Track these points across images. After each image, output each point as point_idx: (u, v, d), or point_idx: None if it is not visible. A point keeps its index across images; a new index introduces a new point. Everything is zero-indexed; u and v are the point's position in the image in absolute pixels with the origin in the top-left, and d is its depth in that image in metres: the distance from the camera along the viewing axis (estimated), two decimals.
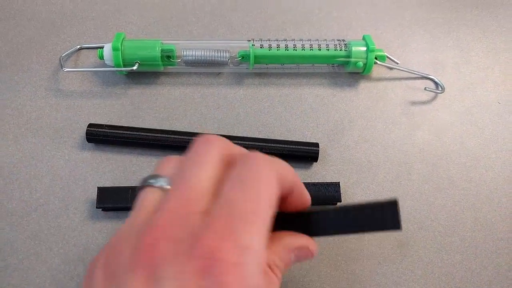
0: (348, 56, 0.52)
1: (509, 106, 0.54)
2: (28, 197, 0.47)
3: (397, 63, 0.55)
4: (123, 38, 0.51)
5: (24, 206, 0.46)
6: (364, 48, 0.52)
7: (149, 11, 0.58)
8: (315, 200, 0.46)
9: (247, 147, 0.47)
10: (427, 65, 0.56)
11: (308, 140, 0.50)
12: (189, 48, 0.51)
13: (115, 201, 0.45)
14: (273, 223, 0.29)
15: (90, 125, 0.49)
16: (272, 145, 0.49)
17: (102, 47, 0.51)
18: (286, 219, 0.31)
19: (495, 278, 0.46)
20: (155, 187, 0.26)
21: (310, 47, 0.52)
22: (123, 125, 0.49)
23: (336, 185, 0.47)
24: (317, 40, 0.53)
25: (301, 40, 0.53)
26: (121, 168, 0.48)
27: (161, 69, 0.52)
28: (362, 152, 0.51)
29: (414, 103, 0.54)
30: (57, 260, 0.44)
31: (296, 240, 0.29)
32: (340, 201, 0.46)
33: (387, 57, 0.55)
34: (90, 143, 0.49)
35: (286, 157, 0.48)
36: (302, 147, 0.49)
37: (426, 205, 0.48)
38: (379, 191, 0.49)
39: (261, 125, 0.51)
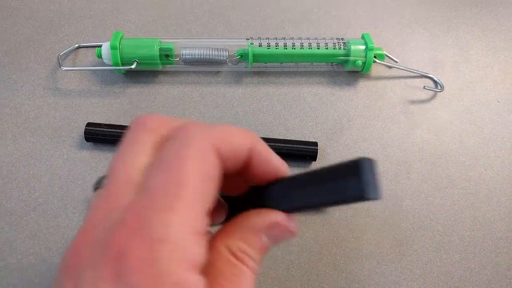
0: (347, 55, 0.52)
1: (509, 105, 0.54)
2: (27, 196, 0.47)
3: (396, 62, 0.55)
4: (121, 37, 0.50)
5: (23, 205, 0.46)
6: (363, 47, 0.52)
7: (148, 9, 0.58)
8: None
9: None
10: (426, 64, 0.56)
11: (307, 139, 0.50)
12: (188, 46, 0.51)
13: None
14: (246, 201, 0.27)
15: (89, 124, 0.49)
16: (271, 144, 0.48)
17: (100, 46, 0.51)
18: (259, 194, 0.27)
19: (494, 277, 0.46)
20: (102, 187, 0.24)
21: (309, 46, 0.52)
22: (122, 124, 0.49)
23: None
24: (316, 38, 0.53)
25: (300, 38, 0.53)
26: None
27: (160, 68, 0.52)
28: (361, 151, 0.51)
29: (413, 102, 0.53)
30: (56, 259, 0.44)
31: (264, 218, 0.24)
32: None
33: (386, 55, 0.55)
34: (88, 142, 0.49)
35: (285, 156, 0.48)
36: (301, 146, 0.49)
37: (425, 204, 0.48)
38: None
39: (260, 124, 0.51)
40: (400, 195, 0.49)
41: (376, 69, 0.55)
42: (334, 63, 0.54)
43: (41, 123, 0.50)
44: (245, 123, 0.51)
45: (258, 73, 0.54)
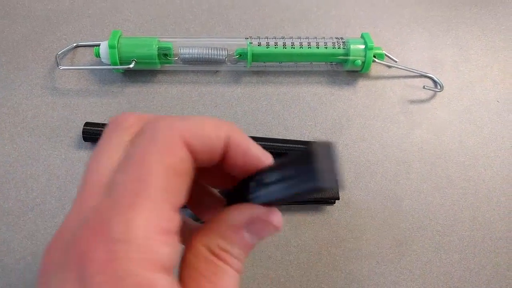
0: (347, 54, 0.52)
1: (508, 105, 0.54)
2: (25, 196, 0.46)
3: (396, 61, 0.55)
4: (120, 36, 0.50)
5: (20, 205, 0.46)
6: (363, 46, 0.52)
7: (146, 8, 0.58)
8: (313, 199, 0.46)
9: None
10: (426, 64, 0.56)
11: (306, 139, 0.50)
12: (186, 46, 0.51)
13: None
14: (236, 195, 0.25)
15: (87, 124, 0.48)
16: (270, 144, 0.48)
17: (98, 45, 0.51)
18: (244, 187, 0.25)
19: (494, 277, 0.46)
20: None
21: (308, 45, 0.52)
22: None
23: None
24: (315, 38, 0.53)
25: (299, 38, 0.53)
26: None
27: (158, 67, 0.52)
28: (360, 151, 0.50)
29: (412, 101, 0.53)
30: None
31: (243, 213, 0.23)
32: (338, 199, 0.46)
33: (386, 55, 0.54)
34: (86, 142, 0.49)
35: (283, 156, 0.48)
36: (300, 146, 0.49)
37: (425, 204, 0.48)
38: (378, 190, 0.49)
39: (259, 124, 0.51)
40: (400, 195, 0.49)
41: (375, 69, 0.55)
42: (333, 63, 0.54)
43: (39, 122, 0.50)
44: (244, 122, 0.51)
45: (257, 73, 0.54)
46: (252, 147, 0.23)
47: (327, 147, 0.19)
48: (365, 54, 0.52)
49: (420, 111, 0.53)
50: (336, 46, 0.52)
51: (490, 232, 0.48)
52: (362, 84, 0.54)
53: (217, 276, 0.22)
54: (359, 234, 0.47)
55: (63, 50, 0.53)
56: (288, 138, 0.50)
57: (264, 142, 0.48)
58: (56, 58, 0.52)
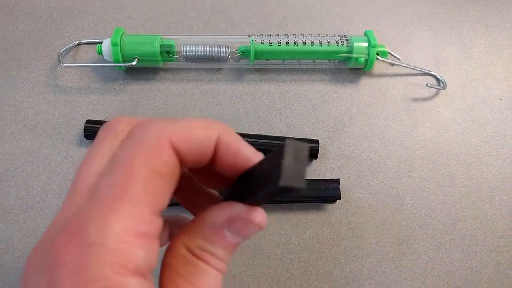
0: (350, 52, 0.52)
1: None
2: (25, 194, 0.46)
3: (399, 59, 0.55)
4: (122, 33, 0.50)
5: (20, 203, 0.46)
6: (366, 44, 0.52)
7: (149, 6, 0.58)
8: (314, 197, 0.46)
9: None
10: (429, 61, 0.55)
11: (308, 137, 0.50)
12: (189, 43, 0.51)
13: None
14: (231, 195, 0.25)
15: (88, 122, 0.48)
16: (272, 141, 0.48)
17: (101, 43, 0.51)
18: (233, 187, 0.25)
19: (495, 276, 0.46)
20: None
21: (311, 43, 0.52)
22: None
23: (336, 182, 0.47)
24: (318, 35, 0.53)
25: (302, 35, 0.53)
26: None
27: (161, 64, 0.52)
28: (363, 149, 0.50)
29: (415, 99, 0.53)
30: None
31: (223, 212, 0.23)
32: (340, 198, 0.46)
33: (389, 53, 0.54)
34: (88, 140, 0.49)
35: None
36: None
37: (427, 203, 0.48)
38: (380, 188, 0.48)
39: (261, 122, 0.51)
40: (402, 193, 0.48)
41: (378, 67, 0.55)
42: (336, 60, 0.53)
43: (41, 120, 0.50)
44: (246, 120, 0.51)
45: (259, 70, 0.54)
46: (243, 147, 0.23)
47: (297, 147, 0.18)
48: (368, 52, 0.51)
49: (423, 109, 0.53)
50: (339, 43, 0.52)
51: (492, 231, 0.47)
52: (365, 82, 0.54)
53: (198, 277, 0.22)
54: (361, 232, 0.47)
55: (65, 48, 0.53)
56: (290, 136, 0.50)
57: (266, 140, 0.48)
58: (58, 55, 0.52)
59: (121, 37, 0.50)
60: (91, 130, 0.48)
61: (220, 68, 0.54)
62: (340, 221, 0.47)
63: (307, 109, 0.52)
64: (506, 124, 0.52)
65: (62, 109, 0.50)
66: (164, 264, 0.23)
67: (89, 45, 0.55)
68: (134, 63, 0.50)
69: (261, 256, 0.45)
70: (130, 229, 0.18)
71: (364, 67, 0.53)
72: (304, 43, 0.52)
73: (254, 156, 0.23)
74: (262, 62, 0.53)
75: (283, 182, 0.18)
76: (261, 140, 0.48)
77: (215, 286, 0.22)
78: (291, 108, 0.52)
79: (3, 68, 0.52)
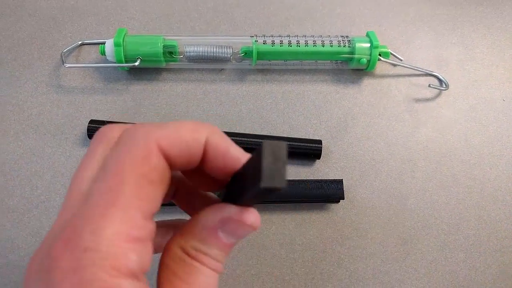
0: (352, 53, 0.52)
1: None
2: (29, 194, 0.46)
3: (401, 60, 0.55)
4: (125, 34, 0.50)
5: (25, 203, 0.46)
6: (368, 45, 0.52)
7: (151, 6, 0.58)
8: (317, 198, 0.46)
9: (249, 144, 0.47)
10: (431, 62, 0.56)
11: (311, 137, 0.50)
12: (192, 44, 0.51)
13: None
14: (224, 197, 0.25)
15: (92, 122, 0.48)
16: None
17: (103, 43, 0.51)
18: (226, 188, 0.25)
19: (499, 276, 0.46)
20: None
21: (314, 44, 0.52)
22: (125, 122, 0.49)
23: (339, 182, 0.47)
24: (321, 36, 0.53)
25: (304, 36, 0.53)
26: None
27: (163, 65, 0.52)
28: (365, 149, 0.50)
29: (418, 100, 0.53)
30: None
31: (215, 214, 0.23)
32: (343, 198, 0.46)
33: (391, 53, 0.54)
34: (91, 139, 0.49)
35: (288, 154, 0.48)
36: (305, 144, 0.49)
37: (430, 203, 0.48)
38: (383, 188, 0.48)
39: (264, 122, 0.51)
40: (405, 193, 0.49)
41: (380, 67, 0.55)
42: (338, 61, 0.53)
43: (44, 120, 0.50)
44: (248, 121, 0.51)
45: (262, 71, 0.54)
46: (232, 149, 0.23)
47: (275, 147, 0.18)
48: (370, 53, 0.51)
49: (425, 109, 0.53)
50: (341, 44, 0.52)
51: (496, 231, 0.47)
52: (367, 83, 0.54)
53: (193, 277, 0.22)
54: (364, 232, 0.47)
55: (68, 48, 0.53)
56: (293, 136, 0.50)
57: (261, 140, 0.48)
58: (61, 56, 0.52)
59: (123, 38, 0.50)
60: (95, 130, 0.47)
61: (223, 69, 0.54)
62: (343, 221, 0.47)
63: (309, 109, 0.52)
64: (508, 124, 0.52)
65: (66, 109, 0.50)
66: (161, 264, 0.23)
67: (91, 45, 0.55)
68: (136, 63, 0.50)
69: (265, 255, 0.45)
70: (122, 234, 0.19)
71: (366, 68, 0.53)
72: (306, 43, 0.52)
73: (243, 157, 0.23)
74: (264, 63, 0.53)
75: (264, 184, 0.18)
76: (263, 141, 0.48)
77: (211, 285, 0.23)
78: (294, 108, 0.52)
79: (6, 68, 0.52)
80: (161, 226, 0.29)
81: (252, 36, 0.52)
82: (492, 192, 0.49)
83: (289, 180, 0.47)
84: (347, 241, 0.46)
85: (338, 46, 0.52)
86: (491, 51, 0.57)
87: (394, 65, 0.55)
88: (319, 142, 0.49)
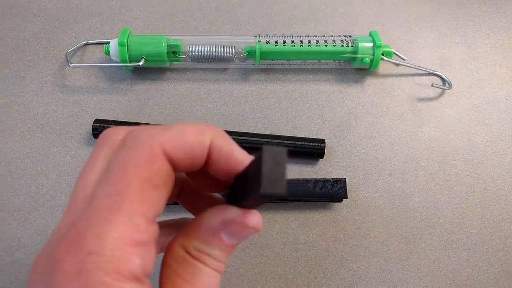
0: (355, 52, 0.52)
1: None
2: (35, 192, 0.47)
3: (404, 59, 0.55)
4: (129, 34, 0.51)
5: (31, 201, 0.46)
6: (371, 44, 0.52)
7: (155, 6, 0.58)
8: (320, 197, 0.46)
9: (252, 143, 0.48)
10: (434, 62, 0.56)
11: (314, 137, 0.50)
12: (195, 43, 0.51)
13: None
14: (227, 198, 0.26)
15: (96, 121, 0.49)
16: (278, 141, 0.48)
17: (108, 43, 0.51)
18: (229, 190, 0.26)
19: (502, 275, 0.46)
20: None
21: (317, 43, 0.52)
22: (129, 121, 0.50)
23: (342, 181, 0.47)
24: (324, 36, 0.53)
25: (308, 36, 0.53)
26: None
27: (167, 64, 0.52)
28: (369, 148, 0.51)
29: (421, 99, 0.53)
30: None
31: (217, 216, 0.23)
32: (346, 198, 0.46)
33: (394, 53, 0.54)
34: (96, 139, 0.49)
35: (292, 153, 0.49)
36: (308, 144, 0.49)
37: (433, 202, 0.48)
38: (386, 187, 0.49)
39: (267, 121, 0.51)
40: (408, 192, 0.49)
41: (383, 67, 0.55)
42: (341, 61, 0.54)
43: (49, 119, 0.50)
44: (252, 120, 0.51)
45: (265, 70, 0.54)
46: (236, 151, 0.23)
47: (275, 152, 0.18)
48: (373, 52, 0.52)
49: (428, 109, 0.53)
50: (344, 44, 0.52)
51: (499, 230, 0.47)
52: (370, 82, 0.54)
53: (195, 277, 0.23)
54: (367, 231, 0.47)
55: (73, 48, 0.53)
56: (296, 135, 0.50)
57: (272, 139, 0.49)
58: (66, 55, 0.52)
59: (127, 38, 0.50)
60: (99, 129, 0.48)
61: (226, 68, 0.54)
62: (346, 220, 0.47)
63: (312, 108, 0.52)
64: (511, 124, 0.52)
65: (71, 109, 0.51)
66: (164, 264, 0.23)
67: (96, 45, 0.55)
68: (141, 63, 0.50)
69: (268, 254, 0.46)
70: (126, 238, 0.19)
71: (369, 67, 0.53)
72: (309, 43, 0.52)
73: (247, 160, 0.23)
74: (267, 62, 0.53)
75: (263, 190, 0.18)
76: (267, 140, 0.49)
77: (213, 285, 0.23)
78: (297, 108, 0.52)
79: (12, 68, 0.53)
80: (166, 226, 0.29)
81: (256, 36, 0.52)
82: (495, 191, 0.49)
83: (293, 179, 0.47)
84: (350, 240, 0.46)
85: (341, 46, 0.52)
86: (494, 51, 0.57)
87: (397, 64, 0.55)
88: (322, 141, 0.49)
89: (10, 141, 0.49)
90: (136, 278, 0.19)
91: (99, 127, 0.48)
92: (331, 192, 0.46)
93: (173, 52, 0.51)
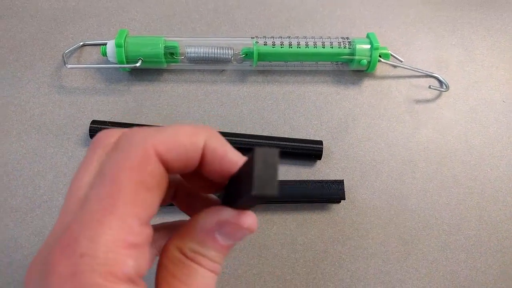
0: (352, 54, 0.52)
1: None
2: (32, 193, 0.47)
3: (401, 61, 0.55)
4: (126, 35, 0.50)
5: (28, 202, 0.46)
6: (368, 46, 0.52)
7: (152, 8, 0.58)
8: (318, 198, 0.46)
9: (249, 145, 0.48)
10: (432, 63, 0.56)
11: (311, 138, 0.50)
12: (193, 45, 0.51)
13: None
14: (223, 199, 0.26)
15: (93, 122, 0.48)
16: (276, 142, 0.48)
17: (105, 44, 0.51)
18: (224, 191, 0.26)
19: (500, 277, 0.46)
20: None
21: (314, 45, 0.52)
22: (126, 122, 0.49)
23: (340, 182, 0.47)
24: (321, 37, 0.53)
25: (305, 37, 0.53)
26: None
27: (164, 66, 0.52)
28: (366, 150, 0.51)
29: (418, 101, 0.53)
30: None
31: (212, 217, 0.23)
32: (344, 199, 0.46)
33: (391, 55, 0.55)
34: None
35: (289, 155, 0.49)
36: (306, 145, 0.49)
37: (431, 204, 0.48)
38: (383, 189, 0.49)
39: (265, 123, 0.51)
40: (406, 194, 0.49)
41: (381, 69, 0.55)
42: (339, 62, 0.54)
43: (46, 120, 0.50)
44: (249, 121, 0.51)
45: (263, 72, 0.54)
46: (229, 153, 0.23)
47: (267, 154, 0.18)
48: (371, 54, 0.52)
49: (425, 110, 0.53)
50: (342, 45, 0.52)
51: (496, 231, 0.48)
52: (368, 84, 0.54)
53: (191, 278, 0.23)
54: (365, 232, 0.47)
55: (70, 49, 0.53)
56: (293, 137, 0.50)
57: (269, 141, 0.49)
58: (63, 56, 0.52)
59: (125, 39, 0.50)
60: (96, 130, 0.48)
61: (224, 70, 0.54)
62: (344, 221, 0.47)
63: (310, 110, 0.52)
64: (508, 125, 0.52)
65: (68, 110, 0.51)
66: (160, 265, 0.24)
67: (93, 46, 0.55)
68: (138, 64, 0.50)
69: (266, 255, 0.46)
70: (119, 240, 0.19)
71: (367, 69, 0.53)
72: (306, 45, 0.52)
73: (240, 161, 0.23)
74: (265, 64, 0.53)
75: (255, 192, 0.18)
76: (264, 141, 0.49)
77: (209, 286, 0.23)
78: (295, 109, 0.52)
79: (8, 69, 0.52)
80: (163, 228, 0.29)
81: (253, 37, 0.52)
82: (493, 192, 0.49)
83: (290, 181, 0.47)
84: (348, 241, 0.46)
85: (339, 48, 0.52)
86: (491, 53, 0.57)
87: (395, 66, 0.55)
88: (320, 142, 0.49)
89: (7, 142, 0.49)
90: (130, 280, 0.20)
91: (96, 128, 0.48)
92: (329, 194, 0.46)
93: (171, 53, 0.51)
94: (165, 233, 0.28)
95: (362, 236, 0.47)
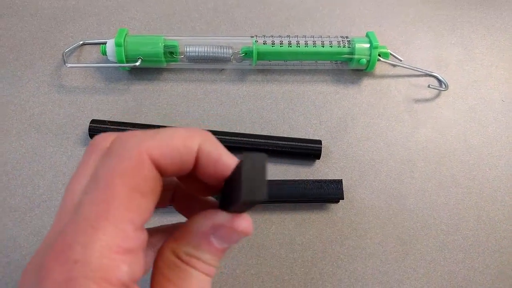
0: (352, 53, 0.52)
1: None
2: (31, 193, 0.47)
3: (401, 60, 0.55)
4: (126, 34, 0.50)
5: (27, 202, 0.46)
6: (368, 45, 0.52)
7: (152, 7, 0.58)
8: (317, 198, 0.46)
9: (249, 144, 0.48)
10: (431, 63, 0.56)
11: (310, 137, 0.50)
12: (192, 44, 0.51)
13: None
14: (220, 202, 0.26)
15: (93, 121, 0.49)
16: (275, 142, 0.48)
17: (105, 43, 0.51)
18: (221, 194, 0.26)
19: (498, 276, 0.46)
20: None
21: (314, 44, 0.52)
22: (126, 121, 0.49)
23: (339, 182, 0.47)
24: (321, 36, 0.53)
25: (304, 36, 0.53)
26: None
27: (164, 65, 0.52)
28: (365, 149, 0.51)
29: (417, 100, 0.53)
30: None
31: (206, 220, 0.23)
32: (343, 199, 0.46)
33: (391, 54, 0.55)
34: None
35: (288, 154, 0.49)
36: (305, 144, 0.49)
37: (429, 203, 0.48)
38: (382, 188, 0.49)
39: (264, 122, 0.51)
40: (404, 193, 0.49)
41: (380, 68, 0.55)
42: (338, 61, 0.54)
43: (46, 119, 0.50)
44: (249, 121, 0.51)
45: (262, 71, 0.54)
46: (224, 156, 0.23)
47: (255, 159, 0.19)
48: (370, 53, 0.52)
49: (424, 110, 0.53)
50: (341, 44, 0.52)
51: (495, 231, 0.48)
52: (367, 83, 0.54)
53: (186, 281, 0.23)
54: (363, 232, 0.47)
55: (69, 48, 0.53)
56: (293, 136, 0.50)
57: (268, 140, 0.49)
58: (63, 55, 0.52)
59: (124, 38, 0.50)
60: (96, 130, 0.48)
61: (223, 69, 0.54)
62: (343, 221, 0.47)
63: (309, 109, 0.52)
64: (508, 125, 0.52)
65: (67, 109, 0.51)
66: (154, 269, 0.24)
67: (93, 45, 0.55)
68: (137, 63, 0.50)
69: (264, 255, 0.46)
70: (113, 246, 0.19)
71: (366, 68, 0.53)
72: (306, 44, 0.52)
73: (235, 165, 0.23)
74: (264, 63, 0.53)
75: (244, 197, 0.18)
76: (263, 141, 0.49)
77: None
78: (294, 108, 0.52)
79: (8, 68, 0.53)
80: (159, 232, 0.29)
81: (252, 37, 0.52)
82: (491, 192, 0.49)
83: (289, 180, 0.47)
84: (346, 241, 0.47)
85: (338, 47, 0.52)
86: (490, 52, 0.57)
87: (394, 65, 0.55)
88: (319, 142, 0.49)
89: (6, 141, 0.49)
90: (124, 285, 0.20)
91: (95, 128, 0.48)
92: (328, 193, 0.46)
93: (170, 52, 0.51)
94: (162, 237, 0.28)
95: (360, 236, 0.47)
